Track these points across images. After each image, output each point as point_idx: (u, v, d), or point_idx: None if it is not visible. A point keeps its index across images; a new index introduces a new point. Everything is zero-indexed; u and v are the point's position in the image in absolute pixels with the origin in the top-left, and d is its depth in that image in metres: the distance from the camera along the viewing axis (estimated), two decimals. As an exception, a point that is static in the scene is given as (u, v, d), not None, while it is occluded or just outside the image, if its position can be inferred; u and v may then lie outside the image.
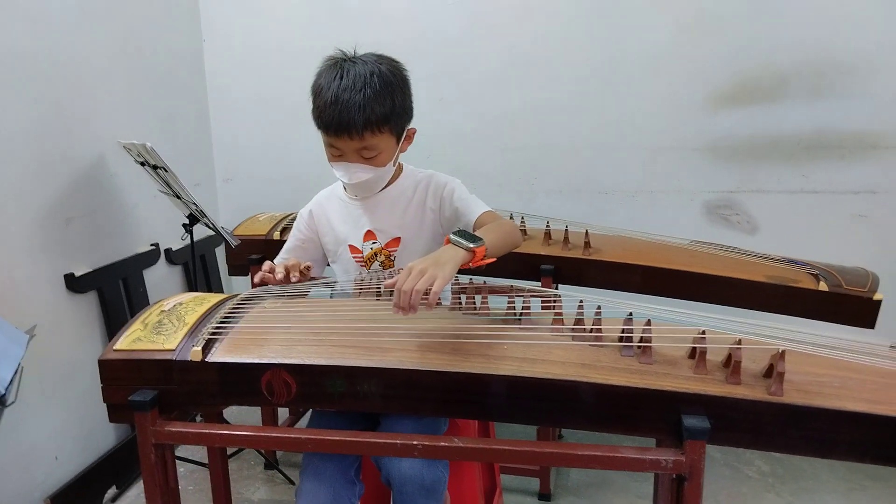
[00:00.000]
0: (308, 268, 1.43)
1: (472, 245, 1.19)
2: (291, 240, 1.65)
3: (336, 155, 1.43)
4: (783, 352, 0.99)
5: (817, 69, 2.41)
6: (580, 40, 2.59)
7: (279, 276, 1.37)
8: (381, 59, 1.41)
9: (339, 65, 1.38)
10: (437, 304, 1.11)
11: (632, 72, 2.57)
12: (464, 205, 1.50)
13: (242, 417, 2.70)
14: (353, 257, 1.56)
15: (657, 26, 2.52)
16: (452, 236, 1.21)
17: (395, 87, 1.39)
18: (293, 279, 1.38)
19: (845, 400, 0.97)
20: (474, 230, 1.39)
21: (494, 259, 1.25)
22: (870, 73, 2.37)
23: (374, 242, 1.55)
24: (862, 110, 2.40)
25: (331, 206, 1.61)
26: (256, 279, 1.40)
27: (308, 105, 1.43)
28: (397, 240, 1.54)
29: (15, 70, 1.92)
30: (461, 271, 1.22)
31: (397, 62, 1.44)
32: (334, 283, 1.56)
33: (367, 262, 1.56)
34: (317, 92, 1.39)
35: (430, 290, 1.09)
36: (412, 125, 1.49)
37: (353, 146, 1.39)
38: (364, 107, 1.33)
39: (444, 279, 1.11)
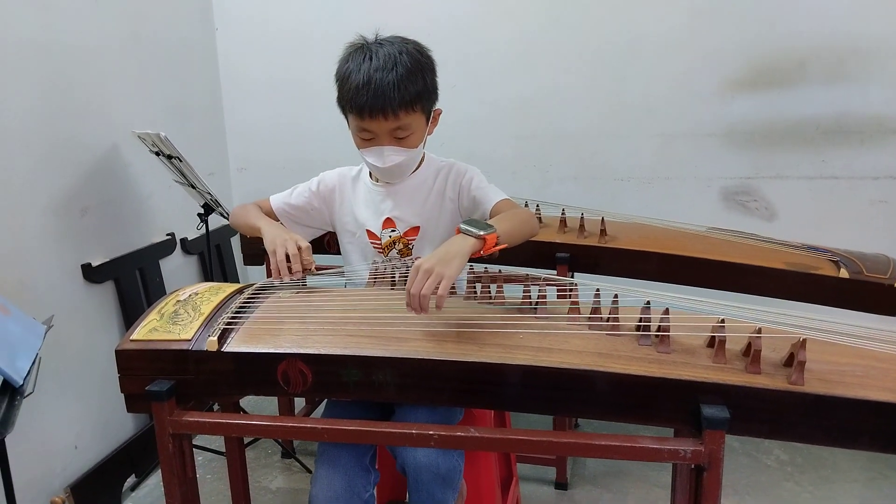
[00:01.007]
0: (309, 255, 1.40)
1: (481, 233, 1.18)
2: (300, 197, 1.62)
3: (367, 139, 1.42)
4: (804, 340, 0.97)
5: (836, 53, 2.37)
6: (593, 25, 2.56)
7: (294, 269, 1.35)
8: (405, 40, 1.41)
9: (366, 48, 1.38)
10: (452, 293, 1.11)
11: (646, 57, 2.54)
12: (481, 193, 1.49)
13: (259, 407, 2.72)
14: (371, 243, 1.56)
15: (672, 10, 2.48)
16: (462, 225, 1.21)
17: (425, 66, 1.40)
18: (294, 273, 1.35)
19: (868, 389, 0.95)
20: (490, 218, 1.38)
21: (507, 245, 1.24)
22: (889, 58, 2.33)
23: (392, 230, 1.54)
24: (882, 95, 2.36)
25: (356, 189, 1.60)
26: (273, 265, 1.38)
27: (324, 93, 1.42)
28: (416, 229, 1.54)
29: (27, 59, 1.92)
30: (477, 260, 1.21)
31: (421, 44, 1.44)
32: (350, 271, 1.56)
33: (384, 250, 1.56)
34: (344, 77, 1.38)
35: (437, 290, 1.09)
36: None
37: (388, 127, 1.38)
38: (398, 85, 1.33)
39: (449, 278, 1.11)
